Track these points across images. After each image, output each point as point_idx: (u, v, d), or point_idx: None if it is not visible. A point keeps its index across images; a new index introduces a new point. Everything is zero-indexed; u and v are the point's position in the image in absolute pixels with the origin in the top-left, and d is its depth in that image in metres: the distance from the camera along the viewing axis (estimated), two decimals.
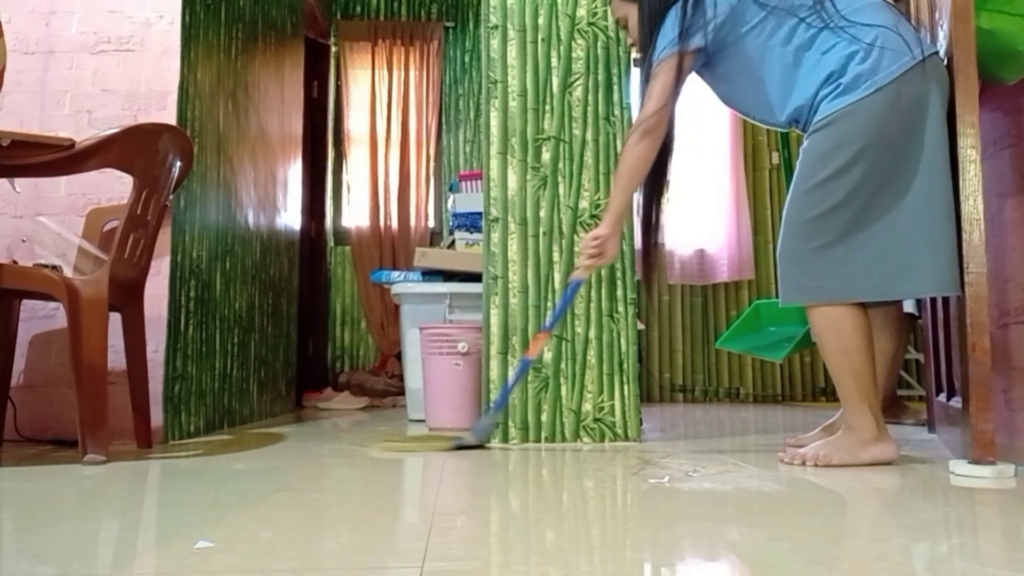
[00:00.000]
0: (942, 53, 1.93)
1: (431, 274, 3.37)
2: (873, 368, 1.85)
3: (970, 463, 1.64)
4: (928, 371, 2.50)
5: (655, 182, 2.11)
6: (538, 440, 2.33)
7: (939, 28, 1.95)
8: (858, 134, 1.78)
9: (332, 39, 5.13)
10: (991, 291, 2.04)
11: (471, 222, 3.46)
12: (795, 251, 1.87)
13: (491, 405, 2.25)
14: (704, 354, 4.97)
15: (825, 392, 4.92)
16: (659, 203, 2.14)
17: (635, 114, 2.12)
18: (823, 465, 1.80)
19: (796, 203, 1.88)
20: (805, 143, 1.89)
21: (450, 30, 5.19)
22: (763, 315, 2.50)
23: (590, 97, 2.45)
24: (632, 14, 2.08)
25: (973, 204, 1.71)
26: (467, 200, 3.53)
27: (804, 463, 1.83)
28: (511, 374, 2.28)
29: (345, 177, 5.09)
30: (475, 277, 3.13)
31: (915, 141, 1.78)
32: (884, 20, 1.82)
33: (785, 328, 2.38)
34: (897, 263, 1.78)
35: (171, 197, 2.34)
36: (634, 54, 2.29)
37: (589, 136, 2.43)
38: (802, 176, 1.87)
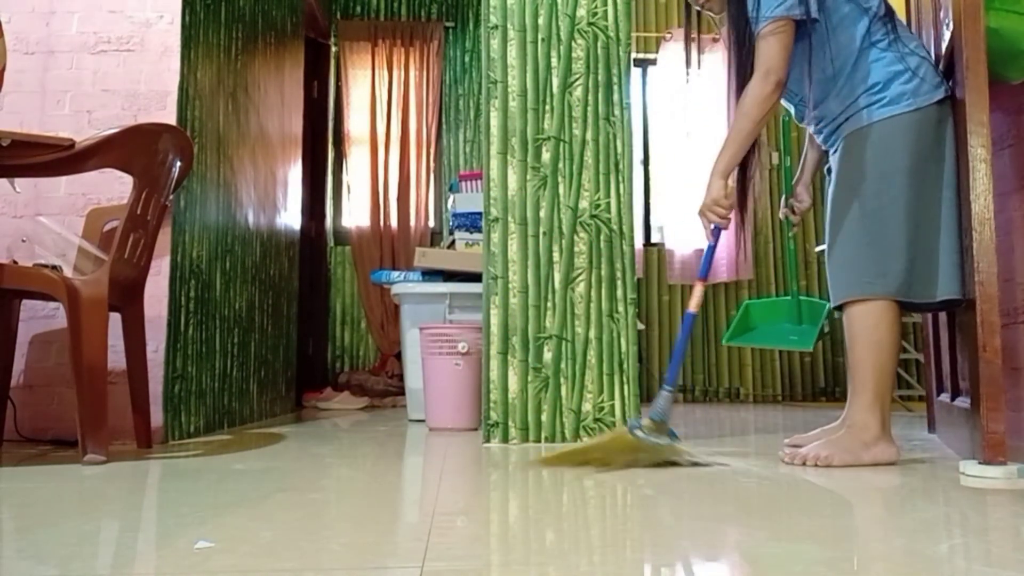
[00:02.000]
0: (943, 49, 1.94)
1: (431, 274, 3.37)
2: (895, 370, 1.91)
3: (980, 463, 1.64)
4: (928, 371, 2.49)
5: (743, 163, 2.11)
6: (538, 440, 2.33)
7: (944, 27, 1.95)
8: (901, 143, 1.89)
9: (332, 39, 5.13)
10: None
11: (471, 222, 3.46)
12: (845, 250, 1.94)
13: (664, 381, 1.98)
14: (704, 354, 4.98)
15: (825, 392, 4.92)
16: (750, 167, 2.14)
17: (634, 114, 2.11)
18: (823, 466, 1.81)
19: (841, 202, 1.95)
20: (843, 145, 1.97)
21: (450, 30, 5.20)
22: (753, 314, 2.55)
23: (590, 97, 2.45)
24: None
25: (984, 204, 1.72)
26: (467, 200, 3.53)
27: (804, 463, 1.83)
28: (679, 337, 2.05)
29: (345, 177, 5.09)
30: (475, 277, 3.12)
31: (941, 159, 1.89)
32: (926, 55, 1.96)
33: (780, 325, 2.42)
34: (927, 268, 1.87)
35: (171, 197, 2.33)
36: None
37: (589, 136, 2.43)
38: (847, 178, 1.95)
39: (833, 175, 2.02)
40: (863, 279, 1.89)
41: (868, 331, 1.87)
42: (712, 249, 2.08)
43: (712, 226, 2.05)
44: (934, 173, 1.89)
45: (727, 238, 4.89)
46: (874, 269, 1.88)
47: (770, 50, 1.94)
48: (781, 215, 2.39)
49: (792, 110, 2.16)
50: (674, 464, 1.83)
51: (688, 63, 3.74)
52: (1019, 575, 0.90)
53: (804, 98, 2.07)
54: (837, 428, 2.06)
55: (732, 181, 2.04)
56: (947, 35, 1.91)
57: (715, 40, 4.90)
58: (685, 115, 4.98)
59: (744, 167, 2.14)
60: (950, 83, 1.92)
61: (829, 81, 1.98)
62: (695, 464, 1.84)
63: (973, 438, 1.75)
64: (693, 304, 2.05)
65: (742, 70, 2.03)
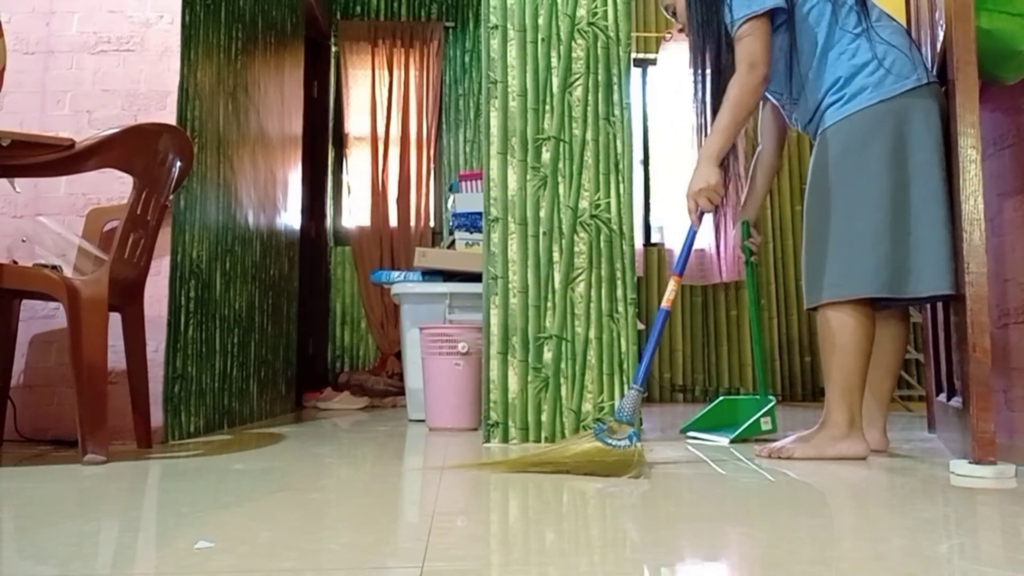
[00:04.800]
0: (938, 49, 1.95)
1: (431, 274, 3.37)
2: (864, 371, 1.94)
3: (971, 463, 1.64)
4: (928, 371, 2.50)
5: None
6: (538, 440, 2.32)
7: (939, 27, 1.96)
8: (863, 140, 1.89)
9: (332, 39, 5.13)
10: (991, 291, 2.04)
11: (471, 222, 3.46)
12: (815, 254, 1.96)
13: (633, 380, 1.95)
14: (704, 354, 4.97)
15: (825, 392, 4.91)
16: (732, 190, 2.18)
17: (634, 114, 2.15)
18: (786, 457, 1.91)
19: (812, 207, 1.98)
20: (815, 149, 1.99)
21: (450, 30, 5.20)
22: (727, 410, 2.56)
23: (590, 97, 2.45)
24: None
25: (973, 204, 1.72)
26: (467, 200, 3.53)
27: (770, 456, 1.94)
28: (651, 335, 1.98)
29: (345, 177, 5.09)
30: (475, 277, 3.13)
31: (914, 151, 1.87)
32: (900, 43, 1.94)
33: (745, 420, 2.40)
34: (905, 263, 1.86)
35: (171, 197, 2.33)
36: (678, 35, 2.31)
37: (589, 136, 2.43)
38: (815, 181, 1.98)
39: (808, 177, 2.04)
40: (830, 282, 1.92)
41: (834, 335, 1.92)
42: (693, 236, 2.06)
43: (699, 210, 2.06)
44: (906, 165, 1.86)
45: (726, 238, 4.89)
46: (840, 270, 1.90)
47: (751, 46, 1.96)
48: (741, 251, 2.41)
49: (783, 111, 2.18)
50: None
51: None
52: (1015, 574, 0.90)
53: (787, 95, 2.09)
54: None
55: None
56: (941, 35, 1.92)
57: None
58: (684, 114, 4.98)
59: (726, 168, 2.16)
60: (941, 77, 1.91)
61: (803, 77, 2.01)
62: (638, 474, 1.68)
63: (964, 438, 1.76)
64: (666, 300, 1.99)
65: (715, 75, 2.08)
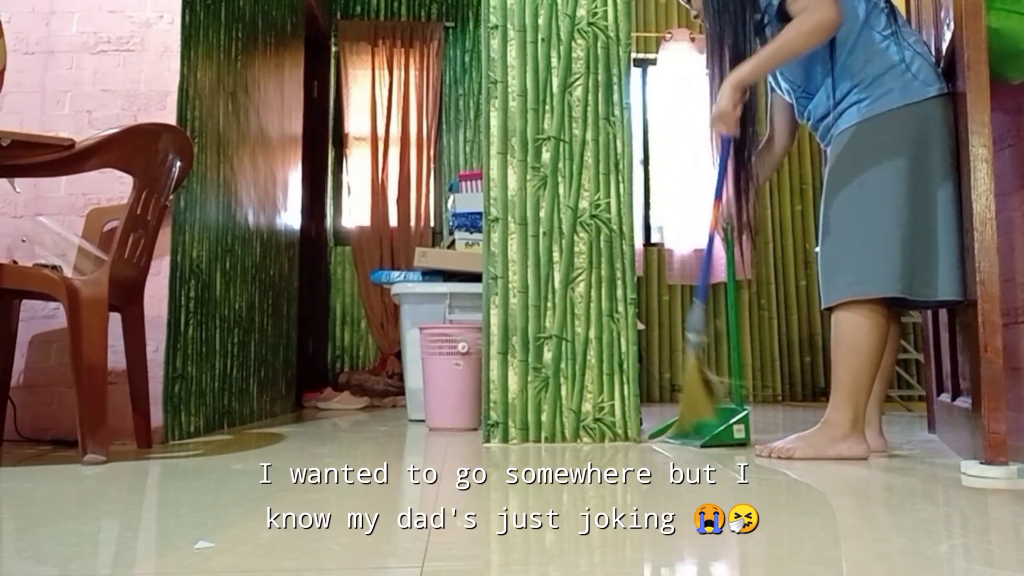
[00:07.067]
0: (943, 49, 1.94)
1: (431, 274, 3.37)
2: (873, 375, 1.93)
3: (982, 463, 1.64)
4: (928, 371, 2.50)
5: (739, 162, 2.17)
6: (538, 440, 2.32)
7: (944, 27, 1.95)
8: (888, 140, 1.88)
9: (332, 39, 5.13)
10: None
11: (471, 222, 3.46)
12: (834, 251, 1.95)
13: (697, 296, 2.33)
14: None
15: (825, 393, 4.91)
16: (747, 188, 2.19)
17: (634, 114, 2.14)
18: (786, 457, 1.89)
19: (832, 204, 1.96)
20: (834, 144, 1.98)
21: (450, 30, 5.19)
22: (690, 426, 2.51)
23: (590, 97, 2.44)
24: None
25: (985, 203, 1.72)
26: (467, 200, 3.53)
27: (771, 455, 1.93)
28: (704, 254, 2.27)
29: (345, 177, 5.09)
30: (475, 277, 3.12)
31: (936, 157, 1.87)
32: (923, 51, 1.94)
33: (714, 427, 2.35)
34: (928, 265, 1.86)
35: (171, 197, 2.33)
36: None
37: (589, 136, 2.43)
38: (836, 178, 1.96)
39: (826, 175, 2.02)
40: (850, 280, 1.90)
41: (848, 335, 1.90)
42: (724, 163, 2.12)
43: (722, 139, 2.06)
44: (926, 169, 1.87)
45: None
46: (861, 269, 1.89)
47: (806, 6, 1.88)
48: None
49: (794, 104, 2.16)
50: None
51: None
52: (1016, 574, 0.90)
53: (802, 88, 2.07)
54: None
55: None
56: (948, 35, 1.91)
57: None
58: (685, 114, 4.98)
59: (740, 170, 2.16)
60: (950, 83, 1.91)
61: (825, 73, 1.98)
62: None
63: (974, 438, 1.75)
64: (712, 223, 2.19)
65: (734, 65, 2.04)
